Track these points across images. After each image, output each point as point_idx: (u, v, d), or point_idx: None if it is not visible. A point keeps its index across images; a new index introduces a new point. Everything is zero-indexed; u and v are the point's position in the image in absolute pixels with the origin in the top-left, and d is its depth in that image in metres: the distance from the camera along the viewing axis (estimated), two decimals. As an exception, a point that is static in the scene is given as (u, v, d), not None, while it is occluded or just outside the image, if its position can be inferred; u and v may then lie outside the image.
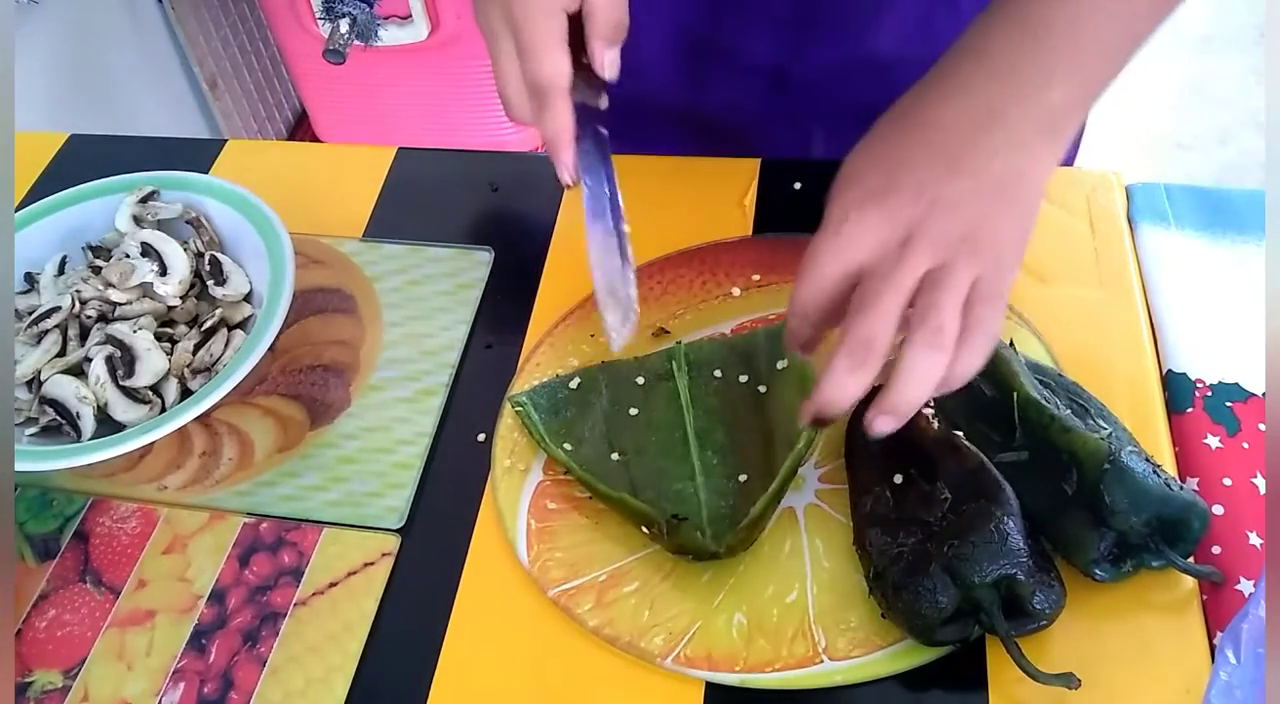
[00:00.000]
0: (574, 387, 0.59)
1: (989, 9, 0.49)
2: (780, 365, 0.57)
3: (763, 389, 0.57)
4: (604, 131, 0.54)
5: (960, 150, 0.46)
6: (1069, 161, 0.82)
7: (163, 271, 0.63)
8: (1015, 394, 0.51)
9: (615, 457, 0.56)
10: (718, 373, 0.58)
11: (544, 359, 0.61)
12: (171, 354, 0.60)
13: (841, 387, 0.44)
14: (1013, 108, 0.46)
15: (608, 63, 0.53)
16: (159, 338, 0.61)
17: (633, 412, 0.58)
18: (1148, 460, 0.48)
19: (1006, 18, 0.48)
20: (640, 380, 0.59)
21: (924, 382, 0.43)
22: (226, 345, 0.61)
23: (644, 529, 0.52)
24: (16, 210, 0.69)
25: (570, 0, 0.51)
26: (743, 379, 0.58)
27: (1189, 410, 0.55)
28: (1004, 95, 0.46)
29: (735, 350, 0.59)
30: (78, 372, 0.60)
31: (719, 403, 0.57)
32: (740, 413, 0.56)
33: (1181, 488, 0.48)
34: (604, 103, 0.54)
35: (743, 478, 0.54)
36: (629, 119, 0.82)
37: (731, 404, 0.57)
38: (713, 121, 0.78)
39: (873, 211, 0.45)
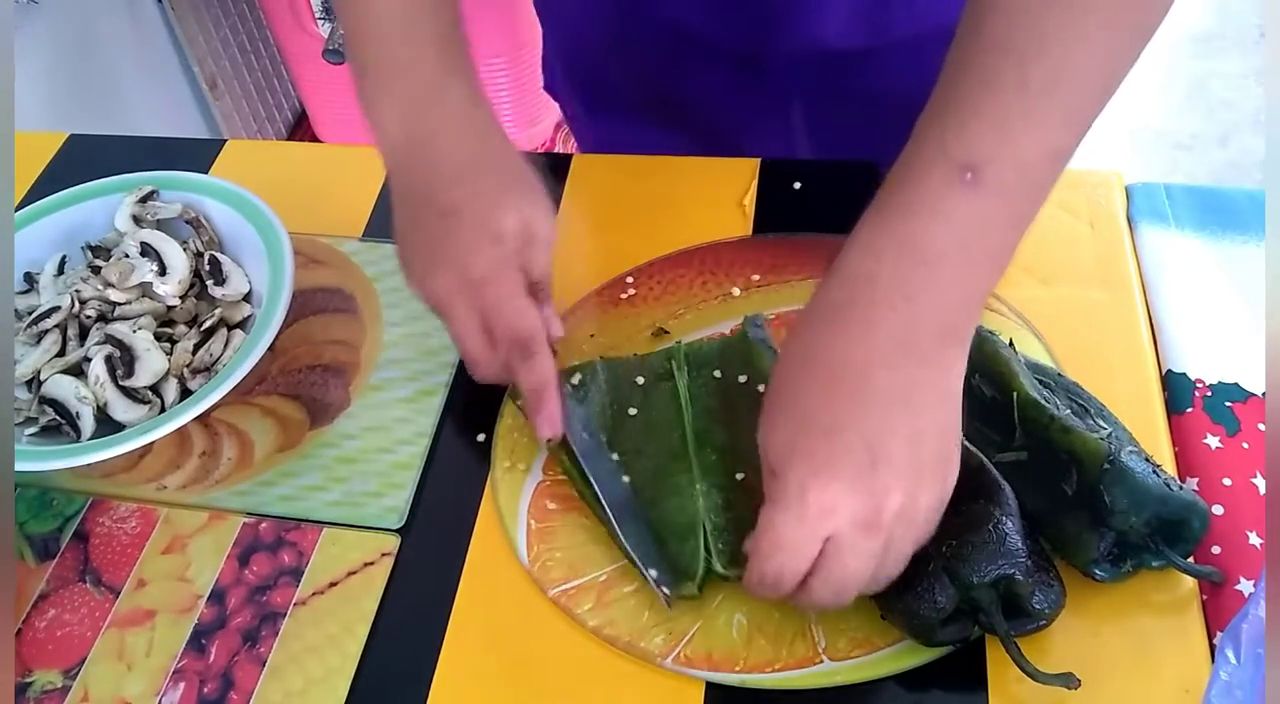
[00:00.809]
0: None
1: (874, 225, 0.46)
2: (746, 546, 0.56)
3: (762, 388, 0.57)
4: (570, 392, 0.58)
5: (887, 392, 0.44)
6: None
7: (162, 271, 0.63)
8: (1015, 394, 0.51)
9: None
10: (717, 373, 0.58)
11: (544, 359, 0.61)
12: (171, 354, 0.60)
13: (759, 590, 0.46)
14: (919, 335, 0.45)
15: (553, 324, 0.57)
16: (158, 338, 0.61)
17: (631, 412, 0.58)
18: (1147, 460, 0.48)
19: (891, 244, 0.45)
20: (640, 380, 0.59)
21: (794, 596, 0.46)
22: (226, 345, 0.61)
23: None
24: (16, 210, 0.69)
25: (519, 262, 0.54)
26: (742, 379, 0.58)
27: (1189, 410, 0.55)
28: (905, 325, 0.45)
29: (735, 350, 0.59)
30: (77, 371, 0.60)
31: (718, 403, 0.57)
32: (740, 413, 0.56)
33: (1181, 488, 0.48)
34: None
35: (740, 476, 0.54)
36: (606, 111, 0.83)
37: (731, 404, 0.57)
38: (690, 110, 0.79)
39: (831, 484, 0.44)
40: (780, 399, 0.47)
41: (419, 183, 0.56)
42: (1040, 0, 0.44)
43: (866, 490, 0.43)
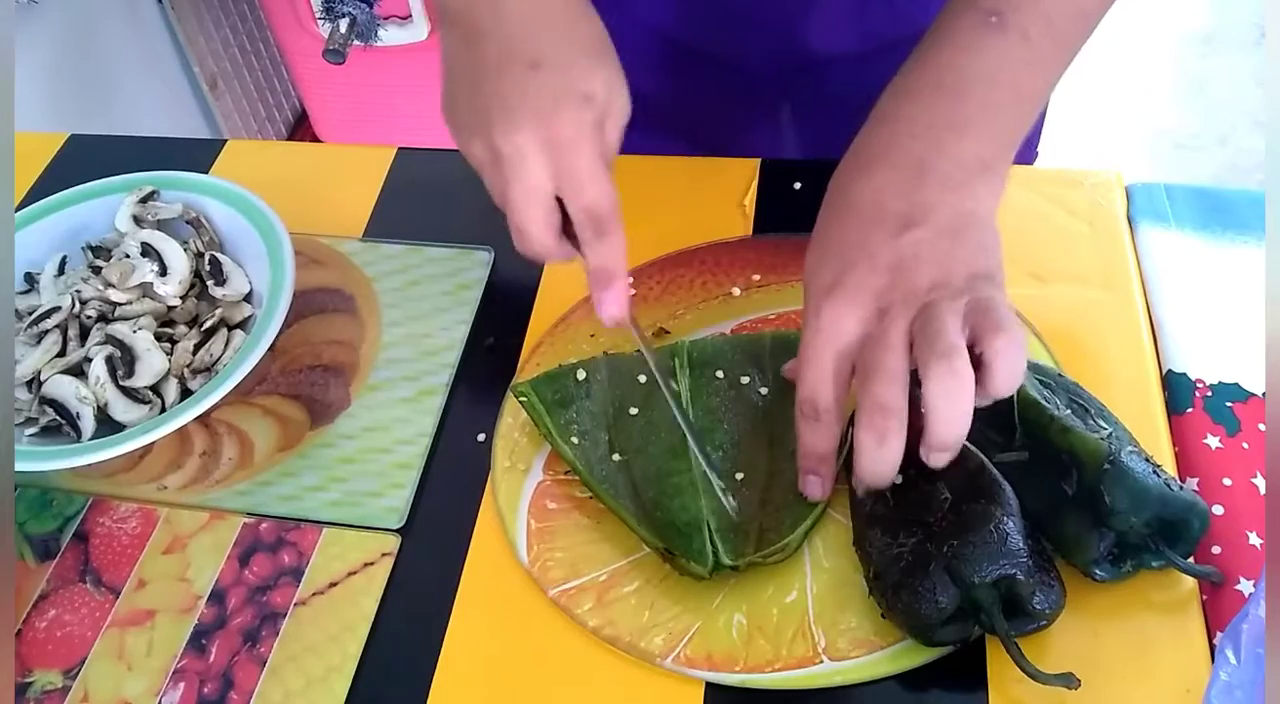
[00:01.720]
0: (580, 378, 0.59)
1: (900, 75, 0.50)
2: (785, 369, 0.57)
3: (764, 391, 0.57)
4: None
5: (901, 210, 0.47)
6: (1028, 150, 0.83)
7: (163, 272, 0.63)
8: (1015, 394, 0.51)
9: (616, 457, 0.56)
10: (720, 373, 0.58)
11: (544, 359, 0.61)
12: (171, 354, 0.60)
13: (876, 459, 0.45)
14: (938, 160, 0.47)
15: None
16: (159, 338, 0.61)
17: (633, 411, 0.58)
18: (1148, 460, 0.48)
19: (920, 82, 0.49)
20: (642, 378, 0.59)
21: (957, 406, 0.44)
22: (226, 345, 0.61)
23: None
24: (16, 210, 0.69)
25: (603, 131, 0.48)
26: (744, 380, 0.58)
27: (1189, 410, 0.55)
28: (927, 151, 0.47)
29: (740, 350, 0.59)
30: (78, 372, 0.60)
31: (719, 402, 0.57)
32: (741, 413, 0.56)
33: (1181, 488, 0.48)
34: None
35: (739, 475, 0.54)
36: None
37: (732, 404, 0.57)
38: (676, 114, 0.79)
39: (840, 297, 0.47)
40: (813, 236, 0.50)
41: (486, 31, 0.48)
42: None
43: (870, 291, 0.46)
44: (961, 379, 0.43)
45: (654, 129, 0.80)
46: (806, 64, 0.72)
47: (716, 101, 0.77)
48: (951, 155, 0.47)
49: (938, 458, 0.45)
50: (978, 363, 0.44)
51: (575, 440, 0.56)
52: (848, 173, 0.50)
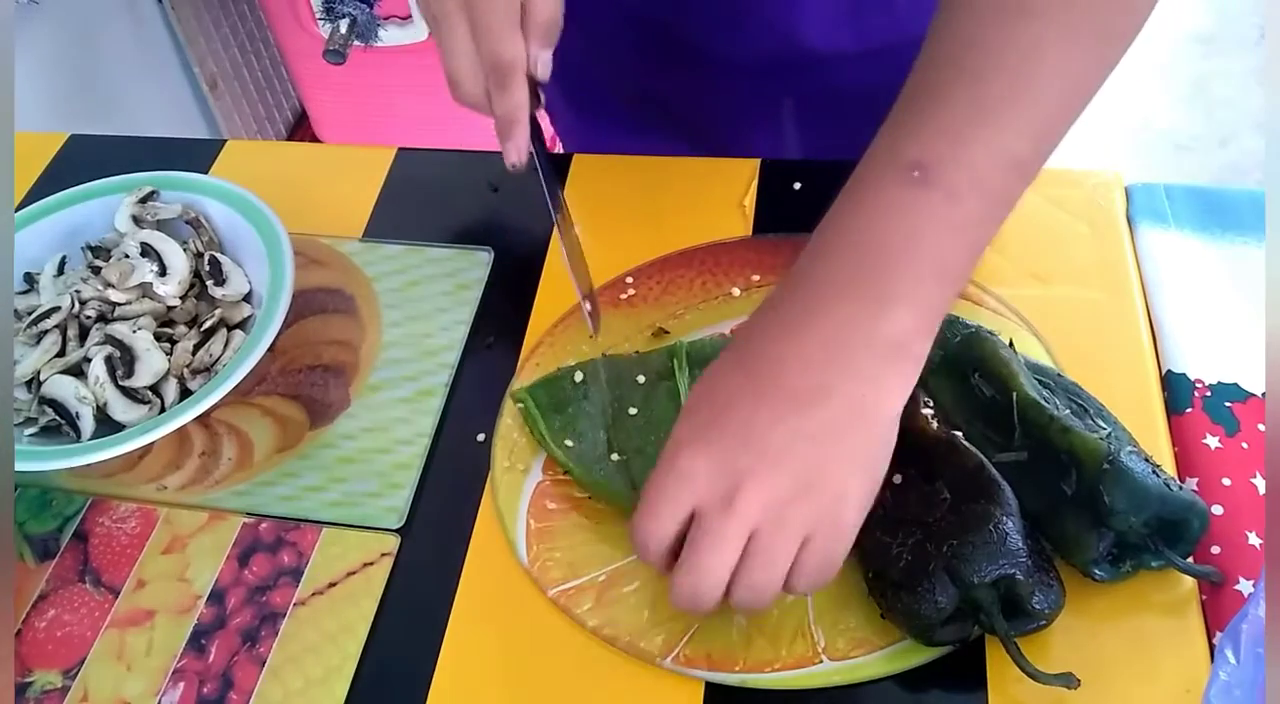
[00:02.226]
0: (577, 380, 0.59)
1: (823, 228, 0.46)
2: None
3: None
4: (544, 139, 0.59)
5: (796, 389, 0.43)
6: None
7: (162, 272, 0.63)
8: (1014, 394, 0.51)
9: (615, 457, 0.56)
10: None
11: (544, 359, 0.61)
12: (171, 354, 0.60)
13: (681, 606, 0.44)
14: (849, 341, 0.43)
15: (541, 63, 0.54)
16: (158, 338, 0.61)
17: (632, 411, 0.58)
18: (1147, 460, 0.48)
19: (838, 244, 0.45)
20: (641, 379, 0.59)
21: (748, 603, 0.44)
22: (226, 345, 0.61)
23: None
24: (16, 210, 0.69)
25: None
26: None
27: (1188, 410, 0.55)
28: (841, 326, 0.43)
29: None
30: (77, 372, 0.60)
31: None
32: None
33: (1181, 488, 0.48)
34: (537, 109, 0.57)
35: None
36: (592, 105, 0.83)
37: None
38: (675, 112, 0.79)
39: (701, 453, 0.43)
40: (701, 382, 0.46)
41: None
42: (1001, 11, 0.43)
43: (730, 469, 0.42)
44: (765, 594, 0.43)
45: (654, 129, 0.80)
46: (804, 62, 0.72)
47: (716, 101, 0.77)
48: (864, 337, 0.43)
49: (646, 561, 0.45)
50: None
51: (570, 444, 0.56)
52: (755, 326, 0.46)
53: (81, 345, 0.61)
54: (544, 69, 0.55)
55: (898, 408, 0.44)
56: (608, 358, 0.60)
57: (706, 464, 0.43)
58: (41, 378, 0.59)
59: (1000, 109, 0.43)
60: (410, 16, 1.62)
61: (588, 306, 0.59)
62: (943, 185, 0.43)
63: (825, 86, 0.74)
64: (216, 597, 0.54)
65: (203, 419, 0.60)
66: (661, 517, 0.44)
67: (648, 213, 0.69)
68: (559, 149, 0.92)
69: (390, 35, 1.61)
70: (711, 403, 0.45)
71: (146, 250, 0.63)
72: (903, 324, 0.43)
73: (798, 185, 0.69)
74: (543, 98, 0.58)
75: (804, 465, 0.42)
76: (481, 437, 0.59)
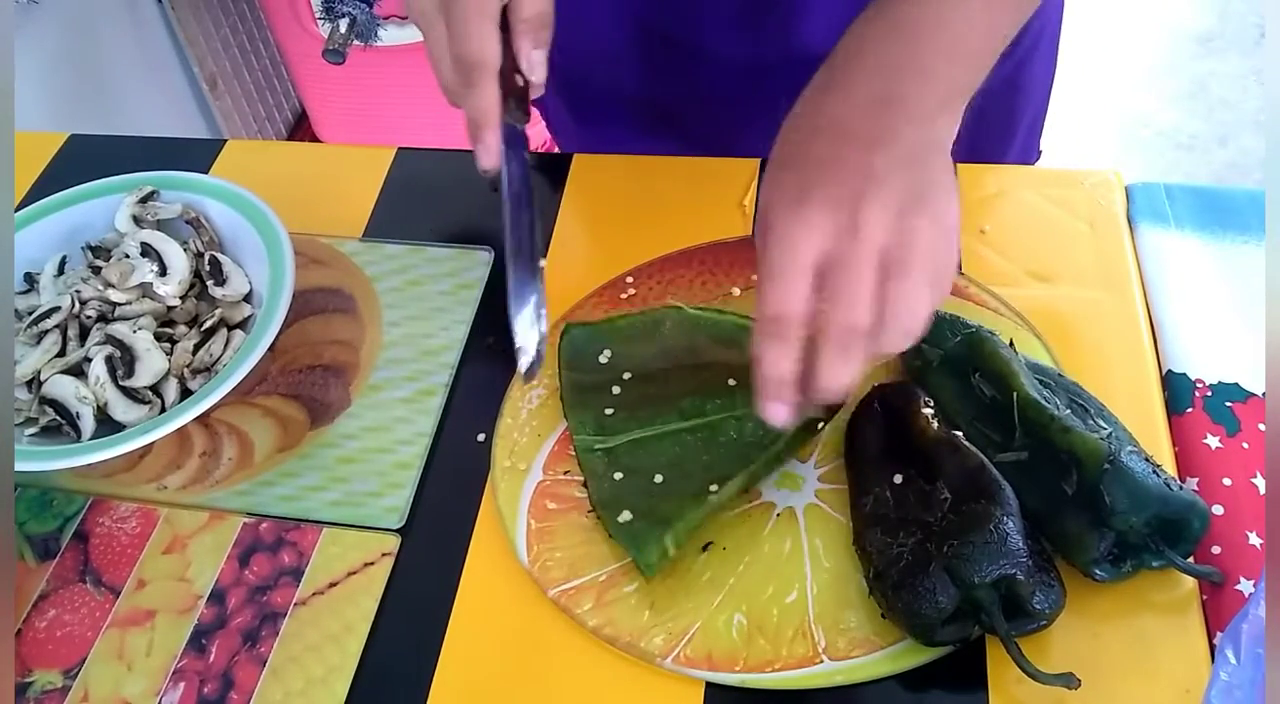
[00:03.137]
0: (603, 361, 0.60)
1: (863, 15, 0.51)
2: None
3: (732, 382, 0.58)
4: (528, 159, 0.55)
5: (870, 133, 0.47)
6: (1029, 151, 0.83)
7: (162, 272, 0.63)
8: (1015, 394, 0.51)
9: (618, 475, 0.56)
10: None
11: (544, 358, 0.61)
12: (171, 354, 0.60)
13: (841, 375, 0.44)
14: (901, 93, 0.48)
15: (534, 62, 0.53)
16: (159, 338, 0.61)
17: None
18: (1147, 460, 0.48)
19: (880, 21, 0.50)
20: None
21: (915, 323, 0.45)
22: (226, 345, 0.61)
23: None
24: (16, 210, 0.69)
25: None
26: (732, 382, 0.58)
27: (1189, 410, 0.55)
28: (888, 85, 0.48)
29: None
30: (77, 372, 0.60)
31: (722, 403, 0.57)
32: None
33: (1181, 488, 0.48)
34: (525, 124, 0.55)
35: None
36: (591, 109, 0.83)
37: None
38: (677, 115, 0.79)
39: (811, 204, 0.45)
40: (773, 161, 0.49)
41: None
42: None
43: (844, 199, 0.45)
44: (919, 320, 0.45)
45: (653, 130, 0.80)
46: (804, 61, 0.72)
47: (714, 101, 0.77)
48: (911, 93, 0.48)
49: (769, 360, 0.46)
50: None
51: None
52: (810, 100, 0.50)
53: (82, 345, 0.61)
54: (537, 70, 0.53)
55: (950, 142, 0.49)
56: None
57: (821, 208, 0.45)
58: (42, 378, 0.59)
59: None
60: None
61: (528, 358, 0.54)
62: None
63: None
64: (217, 596, 0.54)
65: (203, 419, 0.60)
66: (794, 273, 0.44)
67: (648, 213, 0.69)
68: (557, 149, 0.92)
69: (390, 35, 1.61)
70: (800, 167, 0.47)
71: (147, 250, 0.63)
72: (939, 88, 0.48)
73: (798, 185, 0.69)
74: (530, 111, 0.55)
75: (906, 182, 0.45)
76: (482, 436, 0.59)
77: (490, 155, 0.52)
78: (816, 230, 0.44)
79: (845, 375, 0.44)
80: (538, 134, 1.89)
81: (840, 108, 0.48)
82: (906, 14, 0.49)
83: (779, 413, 0.47)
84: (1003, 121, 0.80)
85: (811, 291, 0.44)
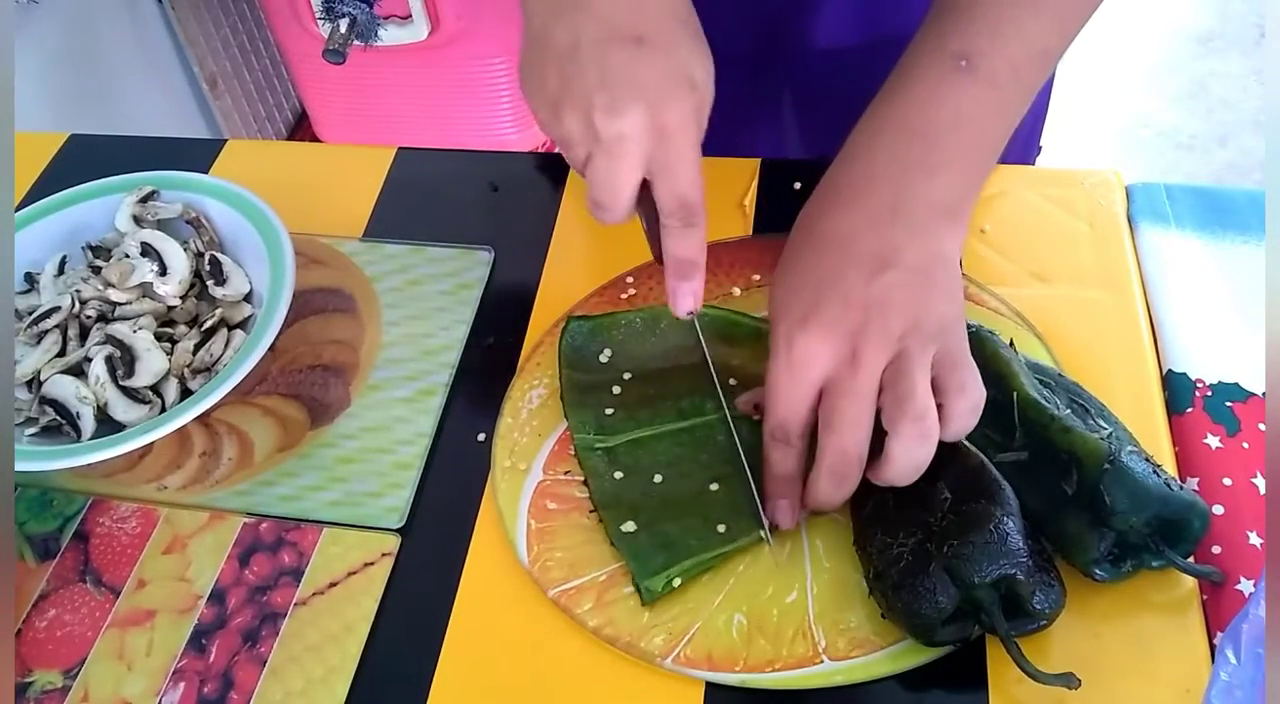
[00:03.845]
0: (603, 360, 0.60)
1: (873, 111, 0.51)
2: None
3: (733, 382, 0.58)
4: None
5: (873, 249, 0.48)
6: (1029, 150, 0.83)
7: (163, 271, 0.63)
8: (1015, 394, 0.51)
9: (618, 475, 0.56)
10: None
11: (544, 359, 0.61)
12: (171, 354, 0.60)
13: (833, 497, 0.48)
14: (907, 202, 0.48)
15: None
16: (159, 338, 0.61)
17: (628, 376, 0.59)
18: (1148, 460, 0.48)
19: (890, 124, 0.50)
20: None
21: (919, 459, 0.47)
22: (226, 345, 0.61)
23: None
24: (16, 210, 0.69)
25: (701, 118, 0.48)
26: (732, 382, 0.58)
27: (1189, 410, 0.55)
28: (897, 193, 0.49)
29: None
30: (77, 372, 0.60)
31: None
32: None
33: (1181, 488, 0.48)
34: None
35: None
36: None
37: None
38: None
39: (815, 330, 0.47)
40: (781, 266, 0.51)
41: (580, 1, 0.47)
42: None
43: (845, 331, 0.47)
44: (929, 440, 0.46)
45: None
46: (809, 58, 0.72)
47: (720, 98, 0.77)
48: (921, 198, 0.48)
49: (881, 482, 0.48)
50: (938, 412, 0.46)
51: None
52: (818, 207, 0.51)
53: (82, 345, 0.61)
54: None
55: (958, 255, 0.50)
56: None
57: (822, 336, 0.47)
58: (42, 378, 0.59)
59: (1032, 7, 0.49)
60: (410, 16, 1.62)
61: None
62: (986, 74, 0.49)
63: (827, 79, 0.74)
64: (217, 596, 0.54)
65: (203, 419, 0.60)
66: (794, 396, 0.48)
67: (648, 213, 0.69)
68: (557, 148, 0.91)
69: (390, 35, 1.61)
70: (805, 286, 0.49)
71: (147, 250, 0.63)
72: (952, 190, 0.49)
73: (798, 185, 0.69)
74: None
75: (906, 306, 0.47)
76: (482, 436, 0.59)
77: (698, 300, 0.51)
78: (818, 359, 0.47)
79: (838, 495, 0.48)
80: (538, 134, 1.90)
81: (846, 219, 0.49)
82: (919, 109, 0.49)
83: (785, 513, 0.51)
84: None
85: (811, 405, 0.48)
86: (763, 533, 0.52)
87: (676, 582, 0.51)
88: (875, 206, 0.49)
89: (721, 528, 0.52)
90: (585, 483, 0.56)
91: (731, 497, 0.54)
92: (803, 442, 0.49)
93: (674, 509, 0.53)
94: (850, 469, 0.47)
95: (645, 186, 0.48)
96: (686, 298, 0.50)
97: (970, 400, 0.47)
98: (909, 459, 0.46)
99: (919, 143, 0.49)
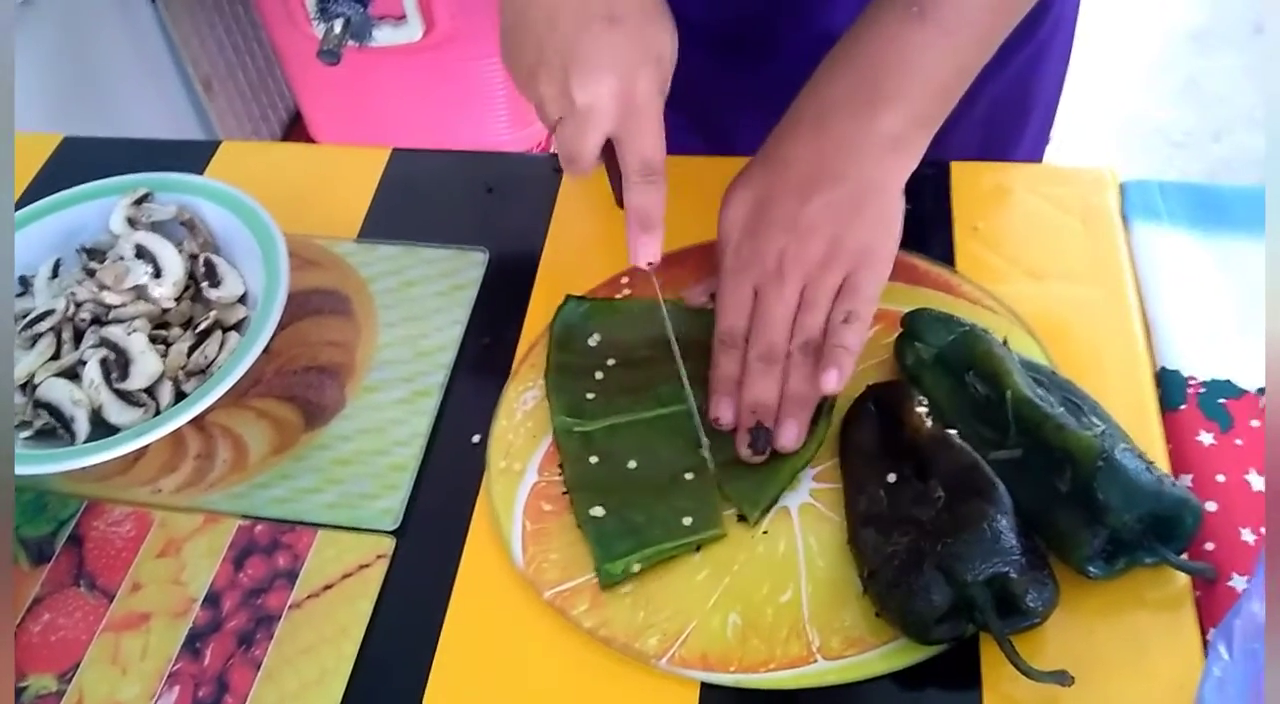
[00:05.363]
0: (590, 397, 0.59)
1: (833, 55, 0.56)
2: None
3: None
4: None
5: (812, 175, 0.54)
6: (1035, 151, 0.84)
7: (157, 274, 0.63)
8: (1009, 392, 0.51)
9: (593, 459, 0.56)
10: None
11: (539, 360, 0.61)
12: (166, 356, 0.60)
13: (762, 387, 0.54)
14: (853, 134, 0.54)
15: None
16: (153, 340, 0.61)
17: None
18: (1141, 458, 0.49)
19: (845, 63, 0.56)
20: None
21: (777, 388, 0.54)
22: (221, 347, 0.61)
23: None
24: (10, 213, 0.69)
25: (665, 89, 0.53)
26: None
27: (1182, 407, 0.55)
28: (844, 125, 0.54)
29: None
30: (72, 375, 0.60)
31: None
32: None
33: (1174, 485, 0.48)
34: None
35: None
36: None
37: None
38: (682, 96, 0.78)
39: (748, 244, 0.55)
40: (733, 184, 0.57)
41: None
42: None
43: (775, 249, 0.54)
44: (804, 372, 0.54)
45: (666, 123, 0.79)
46: (809, 49, 0.72)
47: (738, 95, 0.77)
48: (864, 130, 0.53)
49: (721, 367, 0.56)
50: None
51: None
52: (776, 136, 0.57)
53: (76, 348, 0.61)
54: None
55: (900, 185, 0.55)
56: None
57: (753, 250, 0.55)
58: (36, 381, 0.59)
59: None
60: (404, 17, 1.62)
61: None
62: (936, 19, 0.53)
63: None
64: (212, 600, 0.54)
65: (198, 422, 0.60)
66: (737, 296, 0.56)
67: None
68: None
69: (385, 36, 1.61)
70: (748, 201, 0.56)
71: (141, 252, 0.63)
72: (897, 124, 0.54)
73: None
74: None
75: (831, 230, 0.54)
76: (477, 438, 0.59)
77: (657, 251, 0.55)
78: (751, 271, 0.55)
79: (765, 390, 0.54)
80: (537, 133, 1.90)
81: (793, 149, 0.55)
82: (873, 49, 0.54)
83: (725, 408, 0.55)
84: (1015, 117, 0.79)
85: (751, 306, 0.55)
86: (705, 455, 0.55)
87: (635, 567, 0.51)
88: (823, 138, 0.54)
89: (687, 520, 0.53)
90: (561, 467, 0.56)
91: (703, 488, 0.54)
92: (744, 342, 0.55)
93: (644, 496, 0.54)
94: (773, 362, 0.54)
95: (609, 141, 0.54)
96: (648, 247, 0.55)
97: (853, 333, 0.53)
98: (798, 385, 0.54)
99: (868, 80, 0.54)
